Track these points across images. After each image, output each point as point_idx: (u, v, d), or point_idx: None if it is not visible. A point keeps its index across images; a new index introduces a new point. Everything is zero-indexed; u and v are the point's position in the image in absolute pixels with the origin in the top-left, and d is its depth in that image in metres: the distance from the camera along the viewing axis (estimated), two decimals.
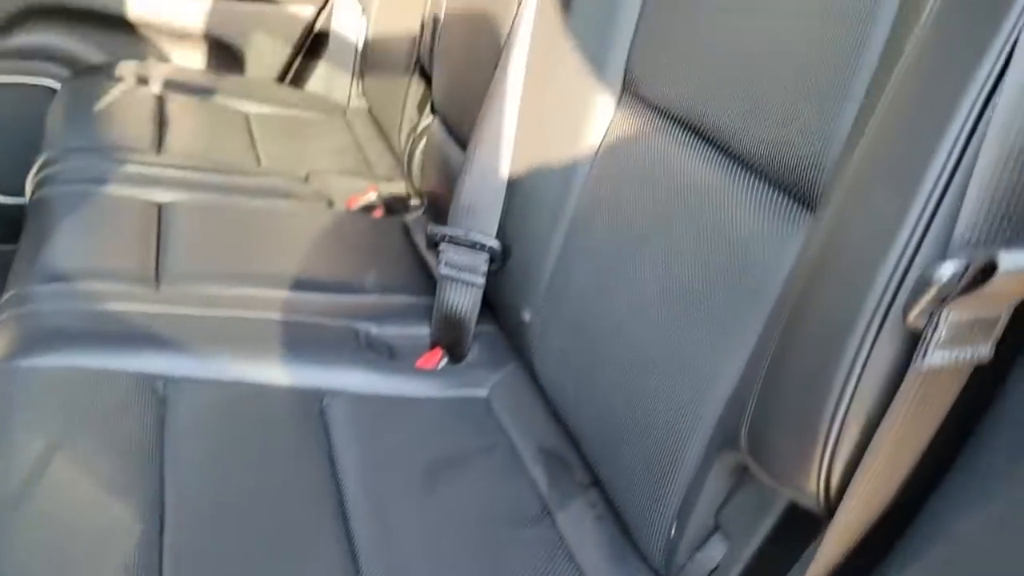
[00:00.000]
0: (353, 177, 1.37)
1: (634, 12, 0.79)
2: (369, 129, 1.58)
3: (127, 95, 1.49)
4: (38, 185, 1.16)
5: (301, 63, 1.81)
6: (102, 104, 1.43)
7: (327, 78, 1.76)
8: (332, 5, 1.73)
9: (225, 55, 1.76)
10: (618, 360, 0.71)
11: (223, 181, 1.22)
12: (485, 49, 1.01)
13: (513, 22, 0.93)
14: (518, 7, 0.93)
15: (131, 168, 1.19)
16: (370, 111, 1.62)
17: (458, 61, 1.15)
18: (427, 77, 1.33)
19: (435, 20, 1.24)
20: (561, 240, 0.83)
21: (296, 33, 1.76)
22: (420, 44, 1.32)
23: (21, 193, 1.67)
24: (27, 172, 1.32)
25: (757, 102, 0.62)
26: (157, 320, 0.87)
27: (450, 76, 1.17)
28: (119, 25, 1.68)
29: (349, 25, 1.72)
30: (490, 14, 1.03)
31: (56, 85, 1.65)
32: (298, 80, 1.82)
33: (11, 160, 1.67)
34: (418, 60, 1.38)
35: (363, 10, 1.68)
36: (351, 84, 1.73)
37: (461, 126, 1.07)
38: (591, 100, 0.81)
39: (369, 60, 1.65)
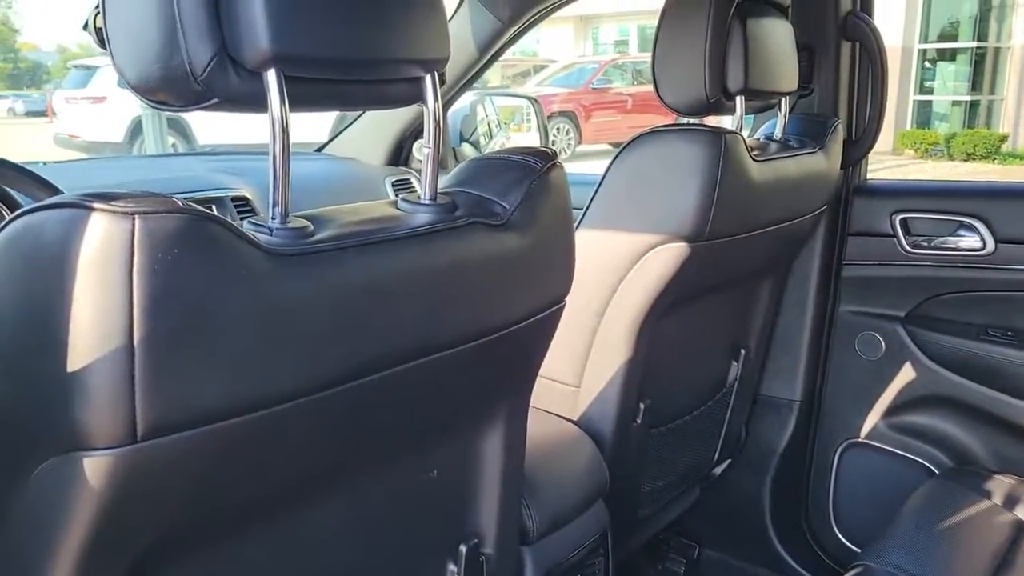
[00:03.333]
0: None
1: None
2: None
3: (984, 515, 1.45)
4: None
5: None
6: (953, 519, 1.43)
7: None
8: None
9: None
10: None
11: None
12: None
13: None
14: None
15: None
16: None
17: None
18: None
19: None
20: None
21: None
22: None
23: None
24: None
25: None
26: None
27: None
28: (1010, 431, 1.66)
29: None
30: None
31: (935, 469, 1.73)
32: None
33: (869, 517, 1.80)
34: None
35: None
36: None
37: None
38: None
39: None
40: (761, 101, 1.46)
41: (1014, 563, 1.34)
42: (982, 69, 16.51)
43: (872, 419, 1.81)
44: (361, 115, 2.22)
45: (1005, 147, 13.39)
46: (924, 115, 16.58)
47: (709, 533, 1.96)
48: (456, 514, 1.00)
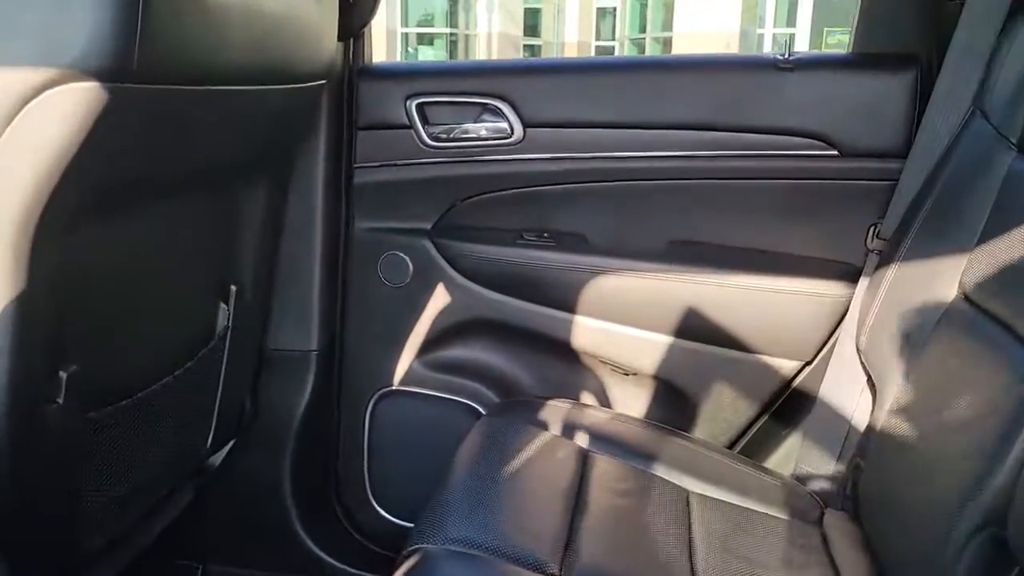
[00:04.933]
0: None
1: None
2: (852, 551, 1.07)
3: (546, 450, 1.18)
4: None
5: (764, 427, 1.40)
6: (514, 463, 1.13)
7: (801, 457, 1.30)
8: (827, 365, 1.31)
9: (674, 402, 1.41)
10: None
11: None
12: None
13: None
14: None
15: None
16: (855, 518, 1.11)
17: None
18: None
19: None
20: None
21: (767, 391, 1.37)
22: None
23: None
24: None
25: None
26: None
27: None
28: (557, 351, 1.44)
29: (844, 395, 1.27)
30: None
31: (482, 409, 1.45)
32: (754, 449, 1.39)
33: (414, 481, 1.47)
34: None
35: (868, 382, 1.23)
36: (834, 471, 1.25)
37: None
38: None
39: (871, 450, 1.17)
40: None
41: (587, 497, 1.09)
42: (456, 53, 18.07)
43: (406, 360, 1.47)
44: None
45: None
46: None
47: (215, 544, 1.45)
48: None
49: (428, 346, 1.46)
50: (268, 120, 1.12)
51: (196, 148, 0.99)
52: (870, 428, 1.14)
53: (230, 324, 1.23)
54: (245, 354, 1.31)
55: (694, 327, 1.35)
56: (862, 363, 1.22)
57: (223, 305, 1.21)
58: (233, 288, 1.22)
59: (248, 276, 1.26)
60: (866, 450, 1.14)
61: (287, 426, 1.42)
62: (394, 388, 1.48)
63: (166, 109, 0.84)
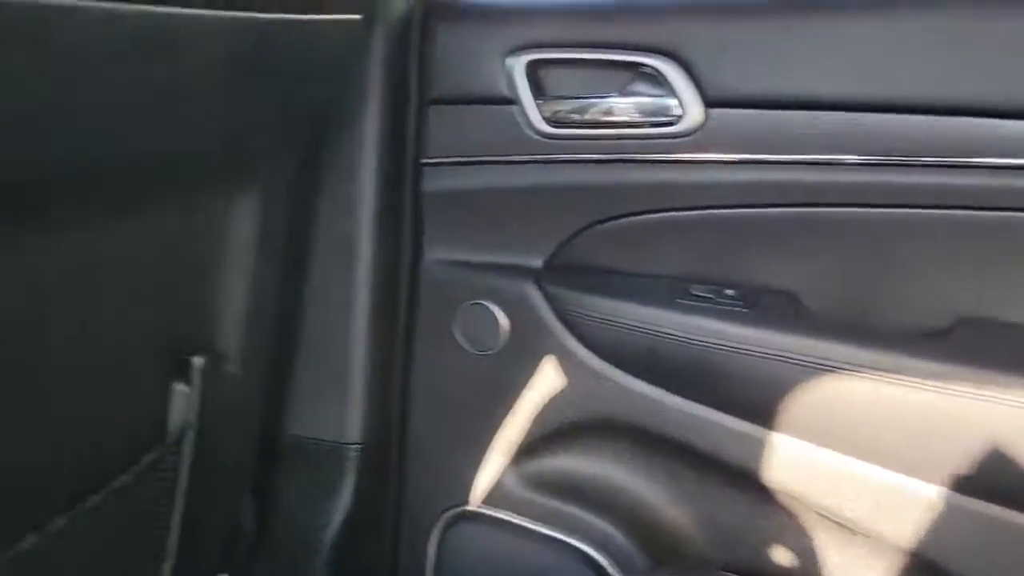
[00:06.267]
0: None
1: None
2: None
3: None
4: None
5: None
6: None
7: None
8: None
9: None
10: None
11: None
12: None
13: None
14: None
15: None
16: None
17: None
18: None
19: None
20: None
21: None
22: None
23: None
24: None
25: None
26: None
27: None
28: (739, 484, 0.87)
29: None
30: None
31: (607, 564, 0.91)
32: None
33: None
34: None
35: None
36: None
37: None
38: None
39: None
40: None
41: None
42: None
43: (494, 467, 0.95)
44: None
45: None
46: None
47: None
48: None
49: (528, 450, 0.93)
50: (264, 79, 0.62)
51: (122, 124, 0.50)
52: None
53: (195, 417, 0.75)
54: (227, 457, 0.83)
55: (993, 477, 0.75)
56: None
57: (179, 387, 0.73)
58: (197, 362, 0.74)
59: (233, 338, 0.78)
60: None
61: (310, 553, 0.93)
62: (473, 509, 0.96)
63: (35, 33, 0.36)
